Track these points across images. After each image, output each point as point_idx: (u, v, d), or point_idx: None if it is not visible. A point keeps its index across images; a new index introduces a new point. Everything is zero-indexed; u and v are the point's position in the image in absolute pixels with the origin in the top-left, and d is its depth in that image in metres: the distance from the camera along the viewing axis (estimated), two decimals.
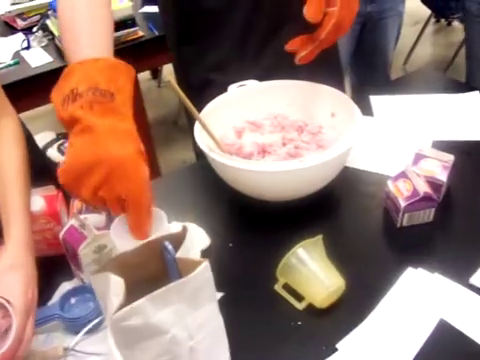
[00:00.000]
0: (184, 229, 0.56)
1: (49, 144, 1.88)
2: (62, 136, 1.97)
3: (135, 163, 0.66)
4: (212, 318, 0.57)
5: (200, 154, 1.41)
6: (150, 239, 0.57)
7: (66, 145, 1.92)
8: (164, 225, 0.69)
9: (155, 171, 2.46)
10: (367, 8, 1.96)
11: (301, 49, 0.97)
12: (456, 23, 3.72)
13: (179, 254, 0.54)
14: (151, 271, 0.56)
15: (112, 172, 0.64)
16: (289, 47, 0.99)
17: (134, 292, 0.53)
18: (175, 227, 0.92)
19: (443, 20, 3.90)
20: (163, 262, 0.57)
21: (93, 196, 0.66)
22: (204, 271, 0.53)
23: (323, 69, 1.04)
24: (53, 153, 1.84)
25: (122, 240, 0.68)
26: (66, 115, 0.68)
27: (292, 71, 1.07)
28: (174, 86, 0.83)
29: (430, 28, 3.78)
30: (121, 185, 0.65)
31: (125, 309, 0.49)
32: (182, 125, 3.01)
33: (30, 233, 0.79)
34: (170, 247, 0.54)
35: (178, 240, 0.56)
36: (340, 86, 1.31)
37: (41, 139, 1.87)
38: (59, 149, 1.85)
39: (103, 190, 0.66)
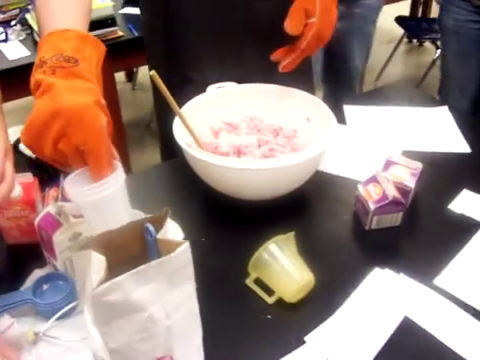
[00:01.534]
0: (166, 211, 0.58)
1: None
2: None
3: (91, 112, 0.67)
4: (189, 299, 0.58)
5: (166, 153, 1.43)
6: (132, 221, 0.58)
7: None
8: (120, 174, 0.70)
9: (127, 171, 2.46)
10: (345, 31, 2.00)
11: (284, 58, 1.02)
12: (427, 44, 3.83)
13: (160, 235, 0.56)
14: (131, 253, 0.57)
15: (68, 122, 0.65)
16: (274, 57, 1.05)
17: (113, 272, 0.55)
18: None
19: (415, 40, 4.02)
20: (144, 244, 0.58)
21: (54, 151, 0.67)
22: (184, 251, 0.55)
23: (297, 74, 1.08)
24: (26, 148, 1.82)
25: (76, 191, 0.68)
26: (32, 82, 0.70)
27: (268, 74, 1.11)
28: (156, 79, 0.84)
29: (402, 47, 3.89)
30: (78, 135, 0.66)
31: (106, 284, 0.50)
32: (154, 128, 3.03)
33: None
34: (151, 228, 0.56)
35: (159, 222, 0.57)
36: (311, 91, 1.35)
37: (14, 132, 1.84)
38: None
39: (62, 143, 0.66)
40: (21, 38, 2.02)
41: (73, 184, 0.69)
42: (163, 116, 1.01)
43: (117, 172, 0.69)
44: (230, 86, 1.16)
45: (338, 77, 2.24)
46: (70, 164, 0.69)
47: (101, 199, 0.67)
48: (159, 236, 0.56)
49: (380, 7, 2.16)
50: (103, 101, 0.70)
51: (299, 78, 1.13)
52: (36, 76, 0.69)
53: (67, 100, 0.66)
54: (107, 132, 0.69)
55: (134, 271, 0.51)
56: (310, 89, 1.24)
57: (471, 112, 2.00)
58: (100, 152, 0.67)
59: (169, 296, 0.55)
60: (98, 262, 0.53)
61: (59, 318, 0.80)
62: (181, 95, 1.10)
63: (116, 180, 0.69)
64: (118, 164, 0.71)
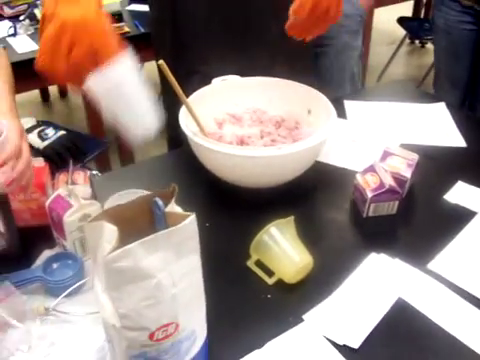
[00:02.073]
0: (173, 188, 0.62)
1: (30, 129, 1.92)
2: (43, 122, 2.01)
3: (94, 16, 0.72)
4: (194, 270, 0.62)
5: (172, 144, 1.48)
6: (141, 195, 0.62)
7: (46, 131, 1.95)
8: (129, 55, 0.75)
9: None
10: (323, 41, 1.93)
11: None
12: (429, 45, 3.86)
13: (168, 209, 0.60)
14: (140, 226, 0.61)
15: (75, 31, 0.70)
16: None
17: (123, 244, 0.58)
18: None
19: (417, 41, 4.06)
20: (152, 218, 0.62)
21: (68, 64, 0.71)
22: (191, 223, 0.58)
23: (297, 70, 1.11)
24: (33, 138, 1.87)
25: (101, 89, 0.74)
26: (40, 23, 0.74)
27: (270, 69, 1.14)
28: (164, 69, 0.88)
29: (404, 49, 3.93)
30: (87, 39, 0.71)
31: (118, 251, 0.54)
32: None
33: (14, 105, 0.87)
34: (160, 202, 0.60)
35: (167, 197, 0.61)
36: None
37: (23, 124, 1.88)
38: (39, 135, 1.88)
39: (74, 52, 0.71)
40: (29, 32, 2.07)
41: (96, 81, 0.74)
42: (170, 106, 1.05)
43: (126, 54, 0.75)
44: (234, 79, 1.20)
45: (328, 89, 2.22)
46: (87, 69, 0.73)
47: (115, 80, 0.73)
48: (167, 209, 0.60)
49: (359, 15, 2.01)
50: (104, 11, 0.75)
51: (300, 71, 1.17)
52: (42, 12, 0.74)
53: (70, 13, 0.71)
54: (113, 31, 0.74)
55: (144, 240, 0.55)
56: (311, 82, 1.28)
57: (463, 105, 2.13)
58: (110, 49, 0.73)
59: (176, 266, 0.59)
60: (110, 232, 0.56)
61: (68, 295, 0.84)
62: (187, 86, 1.14)
63: (126, 59, 0.74)
64: (127, 49, 0.76)
